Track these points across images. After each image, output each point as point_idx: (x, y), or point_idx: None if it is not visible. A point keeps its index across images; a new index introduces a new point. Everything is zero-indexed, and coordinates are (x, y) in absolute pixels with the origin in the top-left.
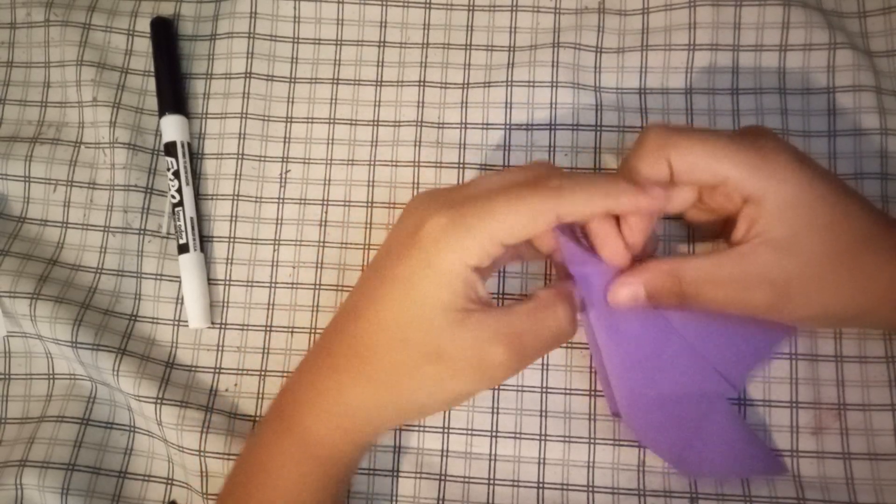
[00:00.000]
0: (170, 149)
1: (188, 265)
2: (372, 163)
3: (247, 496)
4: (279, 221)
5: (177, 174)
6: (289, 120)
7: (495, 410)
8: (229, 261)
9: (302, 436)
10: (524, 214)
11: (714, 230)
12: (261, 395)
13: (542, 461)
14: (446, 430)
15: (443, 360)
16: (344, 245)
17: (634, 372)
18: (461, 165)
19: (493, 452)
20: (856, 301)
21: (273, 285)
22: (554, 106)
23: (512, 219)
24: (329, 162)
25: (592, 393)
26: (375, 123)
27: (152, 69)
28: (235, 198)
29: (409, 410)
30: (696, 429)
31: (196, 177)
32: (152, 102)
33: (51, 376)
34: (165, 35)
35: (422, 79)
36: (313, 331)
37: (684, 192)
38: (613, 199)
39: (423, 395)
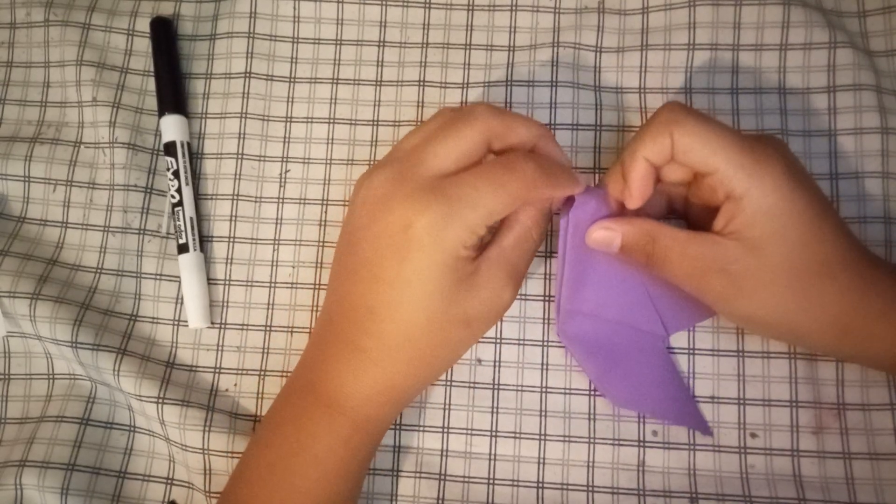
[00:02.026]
0: (169, 149)
1: (188, 265)
2: (372, 163)
3: (289, 475)
4: (279, 221)
5: (176, 174)
6: (288, 120)
7: (495, 410)
8: (229, 260)
9: (354, 419)
10: (506, 202)
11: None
12: (261, 395)
13: (541, 461)
14: (446, 430)
15: (471, 323)
16: None
17: (585, 289)
18: None
19: (492, 452)
20: (800, 319)
21: (273, 285)
22: (553, 105)
23: (497, 206)
24: (329, 162)
25: (592, 393)
26: (375, 123)
27: (152, 69)
28: (235, 198)
29: (442, 370)
30: (623, 359)
31: (196, 177)
32: (152, 102)
33: (50, 376)
34: (165, 35)
35: (421, 78)
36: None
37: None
38: (572, 189)
39: (456, 354)
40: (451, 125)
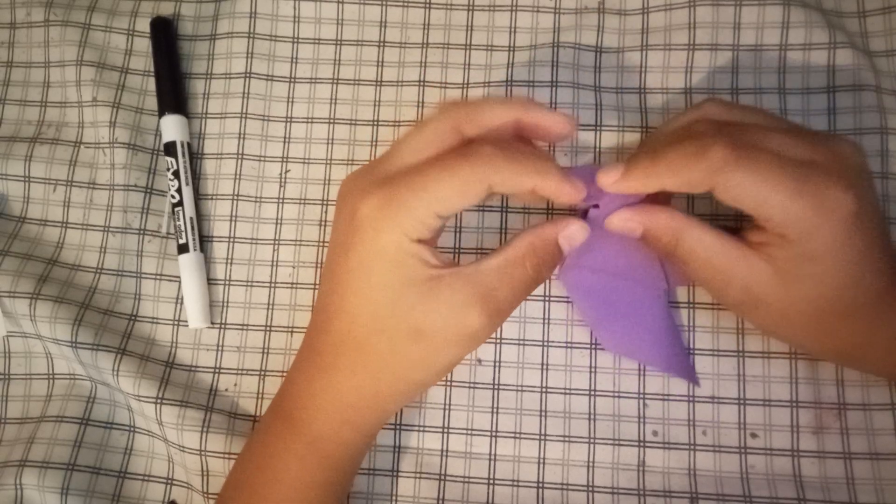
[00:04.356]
0: (169, 149)
1: (188, 265)
2: None
3: (251, 494)
4: (279, 221)
5: (176, 174)
6: (288, 120)
7: (495, 410)
8: (229, 261)
9: (307, 434)
10: (457, 187)
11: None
12: (260, 395)
13: (541, 461)
14: (446, 430)
15: (424, 336)
16: None
17: (593, 249)
18: None
19: (492, 452)
20: (811, 346)
21: (273, 285)
22: (554, 105)
23: (445, 191)
24: (329, 162)
25: (592, 393)
26: (375, 123)
27: (152, 69)
28: (235, 198)
29: (408, 391)
30: (622, 307)
31: (196, 177)
32: (152, 102)
33: (50, 376)
34: (165, 35)
35: (422, 79)
36: None
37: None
38: (541, 179)
39: (415, 374)
40: (419, 122)
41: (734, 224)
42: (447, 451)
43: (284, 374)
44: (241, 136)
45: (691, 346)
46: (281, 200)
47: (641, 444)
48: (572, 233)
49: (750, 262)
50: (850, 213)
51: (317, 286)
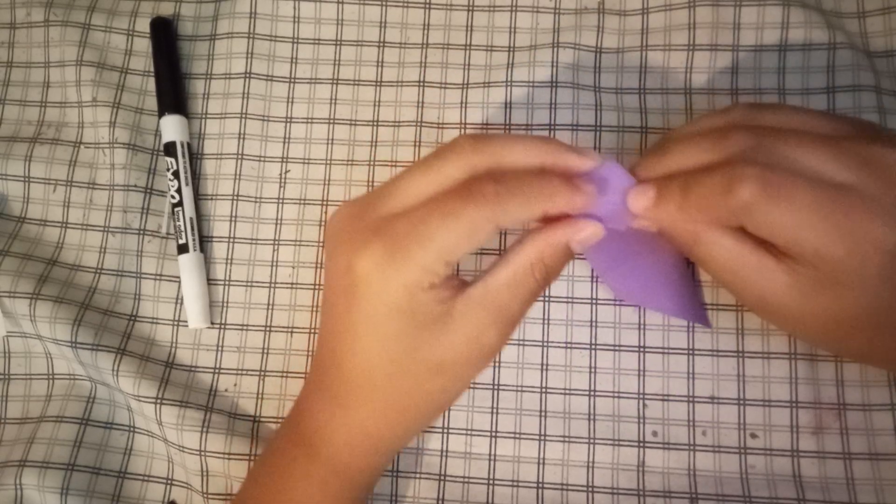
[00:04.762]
0: (169, 149)
1: (188, 265)
2: (372, 163)
3: None
4: (279, 221)
5: (176, 174)
6: (288, 120)
7: (495, 410)
8: (229, 261)
9: (332, 464)
10: (464, 233)
11: None
12: (260, 395)
13: (541, 461)
14: (446, 430)
15: (445, 369)
16: None
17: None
18: None
19: (492, 452)
20: (826, 347)
21: (273, 285)
22: (553, 106)
23: (452, 239)
24: (329, 162)
25: (592, 393)
26: (375, 124)
27: (152, 69)
28: (235, 198)
29: (432, 416)
30: (633, 257)
31: (196, 177)
32: (152, 102)
33: (50, 376)
34: (165, 35)
35: (421, 79)
36: (313, 331)
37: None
38: (550, 201)
39: (439, 401)
40: (426, 158)
41: None
42: (447, 451)
43: (284, 374)
44: (241, 136)
45: (691, 347)
46: (281, 201)
47: (641, 444)
48: (586, 237)
49: (768, 272)
50: (891, 250)
51: (317, 286)
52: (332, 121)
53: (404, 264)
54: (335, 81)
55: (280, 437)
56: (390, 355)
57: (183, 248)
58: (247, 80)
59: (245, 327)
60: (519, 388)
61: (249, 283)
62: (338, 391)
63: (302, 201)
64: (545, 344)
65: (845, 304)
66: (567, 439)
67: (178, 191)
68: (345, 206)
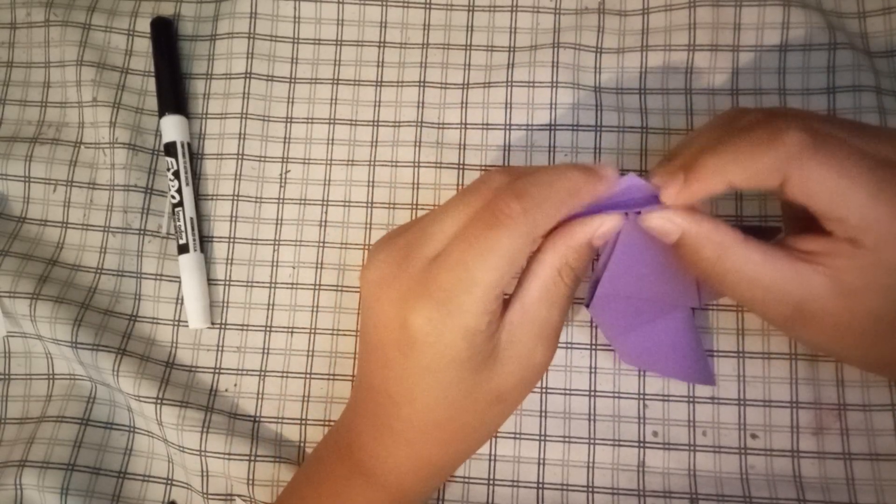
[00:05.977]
0: (170, 149)
1: (188, 265)
2: (372, 163)
3: None
4: (279, 222)
5: (177, 174)
6: (289, 120)
7: None
8: (229, 261)
9: (392, 491)
10: (503, 264)
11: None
12: (260, 396)
13: (541, 461)
14: None
15: (504, 398)
16: (344, 245)
17: (628, 275)
18: (461, 166)
19: (492, 452)
20: (854, 358)
21: (273, 285)
22: (554, 106)
23: (495, 275)
24: (329, 162)
25: (592, 393)
26: (375, 124)
27: (152, 69)
28: (235, 198)
29: (486, 440)
30: (644, 326)
31: (196, 177)
32: (152, 102)
33: (50, 376)
34: (165, 35)
35: (422, 79)
36: (313, 331)
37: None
38: (576, 198)
39: (494, 427)
40: (458, 194)
41: (759, 223)
42: None
43: (284, 374)
44: (242, 136)
45: None
46: (281, 201)
47: (641, 444)
48: (607, 231)
49: (804, 277)
50: None
51: (317, 286)
52: (332, 121)
53: (459, 316)
54: (336, 81)
55: (329, 458)
56: (450, 400)
57: (183, 249)
58: (247, 80)
59: (245, 327)
60: None
61: (250, 284)
62: (401, 430)
63: (302, 201)
64: None
65: (891, 296)
66: (567, 439)
67: (179, 191)
68: (380, 251)
